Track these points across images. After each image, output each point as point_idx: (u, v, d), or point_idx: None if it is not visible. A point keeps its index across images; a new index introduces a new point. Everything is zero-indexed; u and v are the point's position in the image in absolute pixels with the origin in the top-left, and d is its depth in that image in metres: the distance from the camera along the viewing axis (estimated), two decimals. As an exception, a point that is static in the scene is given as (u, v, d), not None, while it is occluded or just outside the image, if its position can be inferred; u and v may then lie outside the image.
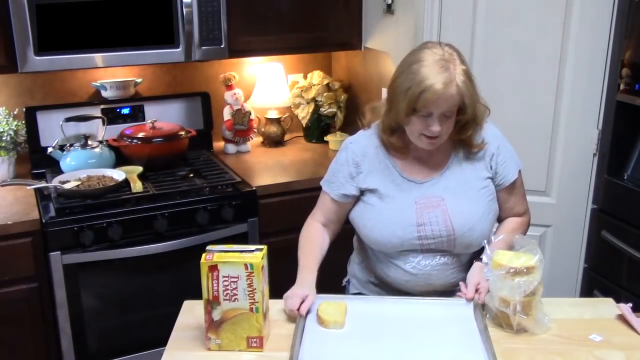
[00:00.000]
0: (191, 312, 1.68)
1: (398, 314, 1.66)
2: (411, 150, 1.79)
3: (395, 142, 1.77)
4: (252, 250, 1.50)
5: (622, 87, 2.24)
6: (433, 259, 1.77)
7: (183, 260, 2.47)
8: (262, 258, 1.48)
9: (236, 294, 1.48)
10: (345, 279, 2.04)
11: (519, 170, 1.85)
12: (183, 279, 2.49)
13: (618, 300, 1.75)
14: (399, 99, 1.65)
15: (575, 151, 2.51)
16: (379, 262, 1.83)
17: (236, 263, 1.46)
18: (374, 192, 1.79)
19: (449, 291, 1.82)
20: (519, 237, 1.65)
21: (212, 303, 1.49)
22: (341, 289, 2.05)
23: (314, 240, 1.84)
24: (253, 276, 1.46)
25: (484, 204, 1.79)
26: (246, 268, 1.46)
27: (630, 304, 1.67)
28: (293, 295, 1.65)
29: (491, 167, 1.81)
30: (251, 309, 1.49)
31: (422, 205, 1.75)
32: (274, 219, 2.66)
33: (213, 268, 1.46)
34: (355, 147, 1.83)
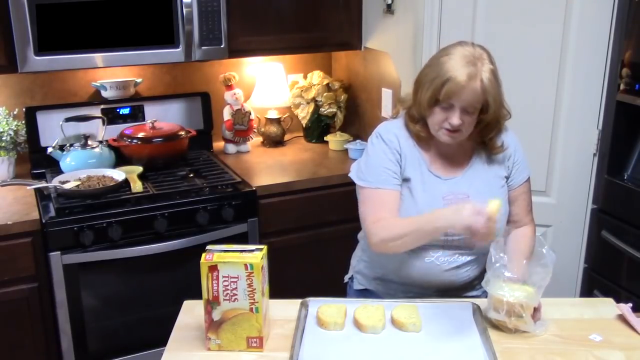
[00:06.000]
0: (191, 312, 1.68)
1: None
2: (435, 145, 1.80)
3: (420, 130, 1.79)
4: (252, 250, 1.50)
5: (622, 87, 2.25)
6: (452, 256, 1.78)
7: (183, 260, 2.47)
8: (262, 258, 1.48)
9: (236, 294, 1.47)
10: (348, 276, 2.04)
11: (529, 178, 1.88)
12: (183, 279, 2.49)
13: (618, 300, 1.75)
14: (424, 88, 1.69)
15: (575, 151, 2.51)
16: (394, 255, 1.80)
17: (236, 263, 1.46)
18: (407, 182, 1.79)
19: (460, 288, 1.83)
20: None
21: (212, 303, 1.49)
22: (343, 286, 2.05)
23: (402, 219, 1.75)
24: (253, 276, 1.46)
25: (504, 203, 1.82)
26: (246, 268, 1.46)
27: (630, 304, 1.68)
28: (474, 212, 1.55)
29: (508, 167, 1.84)
30: (251, 309, 1.49)
31: (449, 202, 1.76)
32: (274, 219, 2.66)
33: (213, 268, 1.46)
34: (392, 136, 1.81)
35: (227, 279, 1.46)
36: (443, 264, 1.78)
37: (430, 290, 1.80)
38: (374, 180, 1.77)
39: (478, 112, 1.70)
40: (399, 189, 1.77)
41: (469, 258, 1.80)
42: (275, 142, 3.17)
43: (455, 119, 1.67)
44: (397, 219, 1.74)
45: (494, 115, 1.71)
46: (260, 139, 3.21)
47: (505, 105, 1.76)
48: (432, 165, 1.80)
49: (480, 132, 1.77)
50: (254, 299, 1.48)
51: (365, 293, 1.94)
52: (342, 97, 3.20)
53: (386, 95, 2.91)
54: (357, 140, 3.02)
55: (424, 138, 1.79)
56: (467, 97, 1.64)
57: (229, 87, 3.02)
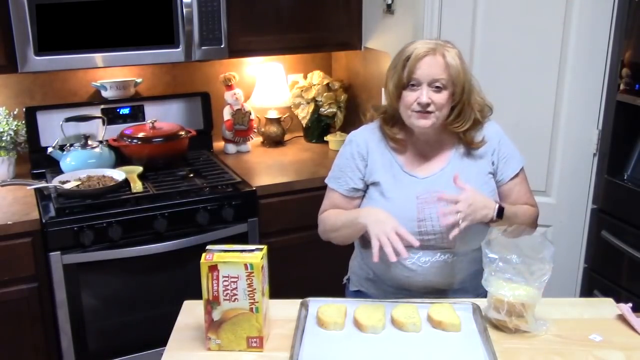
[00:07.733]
0: (191, 312, 1.67)
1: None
2: (412, 145, 1.81)
3: (397, 132, 1.80)
4: (252, 250, 1.50)
5: (622, 87, 2.25)
6: (433, 255, 1.77)
7: (183, 260, 2.47)
8: (262, 258, 1.48)
9: (236, 294, 1.47)
10: (346, 277, 2.04)
11: (522, 167, 1.85)
12: (183, 279, 2.49)
13: (618, 300, 1.75)
14: (389, 78, 1.74)
15: (575, 151, 2.51)
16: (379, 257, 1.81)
17: (236, 263, 1.46)
18: (377, 185, 1.80)
19: (448, 290, 1.82)
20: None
21: (212, 303, 1.49)
22: (342, 287, 2.05)
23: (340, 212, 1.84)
24: (253, 276, 1.46)
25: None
26: (246, 268, 1.45)
27: (630, 304, 1.67)
28: (388, 226, 1.63)
29: (493, 163, 1.82)
30: (251, 309, 1.49)
31: (423, 200, 1.76)
32: (274, 219, 2.66)
33: (213, 268, 1.46)
34: (360, 140, 1.84)
35: (227, 279, 1.46)
36: (425, 264, 1.77)
37: (418, 293, 1.79)
38: (331, 178, 1.89)
39: (448, 93, 1.70)
40: (349, 195, 1.84)
41: (451, 257, 1.78)
42: (275, 142, 3.17)
43: (423, 97, 1.68)
44: (338, 211, 1.84)
45: (465, 98, 1.72)
46: (260, 139, 3.21)
47: (481, 95, 1.77)
48: (407, 166, 1.81)
49: (455, 120, 1.75)
50: (254, 299, 1.48)
51: (359, 294, 1.94)
52: (342, 97, 3.20)
53: (386, 95, 2.91)
54: (357, 140, 3.02)
55: (400, 140, 1.80)
56: (430, 69, 1.67)
57: (229, 87, 3.02)
